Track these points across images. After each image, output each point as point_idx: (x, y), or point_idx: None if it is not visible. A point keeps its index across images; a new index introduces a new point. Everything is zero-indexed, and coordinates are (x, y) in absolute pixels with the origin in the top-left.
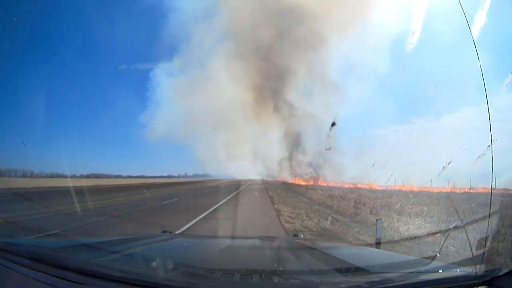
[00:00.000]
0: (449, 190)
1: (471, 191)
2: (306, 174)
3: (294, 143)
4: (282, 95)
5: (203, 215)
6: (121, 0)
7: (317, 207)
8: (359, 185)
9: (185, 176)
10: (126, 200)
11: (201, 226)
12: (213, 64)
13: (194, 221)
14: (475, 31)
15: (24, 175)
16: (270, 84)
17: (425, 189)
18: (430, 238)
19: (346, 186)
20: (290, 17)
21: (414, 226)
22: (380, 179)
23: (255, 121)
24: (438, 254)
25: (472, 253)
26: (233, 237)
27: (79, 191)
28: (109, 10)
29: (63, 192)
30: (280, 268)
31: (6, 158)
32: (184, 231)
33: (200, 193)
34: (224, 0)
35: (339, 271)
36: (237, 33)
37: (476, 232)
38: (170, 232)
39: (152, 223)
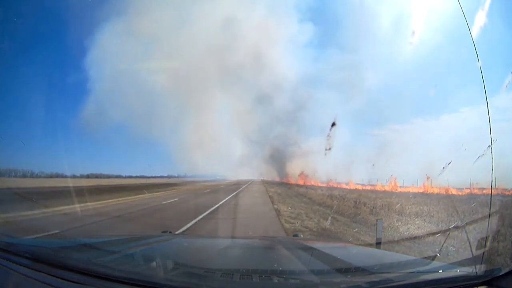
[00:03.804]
0: (444, 190)
1: (469, 191)
2: (306, 175)
3: (295, 145)
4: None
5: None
6: None
7: (317, 207)
8: (360, 186)
9: (185, 176)
10: (125, 200)
11: (201, 225)
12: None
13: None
14: (475, 31)
15: (24, 175)
16: None
17: (424, 190)
18: (430, 238)
19: (346, 186)
20: None
21: (414, 226)
22: (380, 179)
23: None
24: (438, 254)
25: (472, 253)
26: (233, 237)
27: (79, 191)
28: None
29: (63, 192)
30: (280, 268)
31: (6, 158)
32: (184, 231)
33: (205, 192)
34: None
35: (339, 271)
36: None
37: (476, 232)
38: (170, 232)
39: (152, 223)
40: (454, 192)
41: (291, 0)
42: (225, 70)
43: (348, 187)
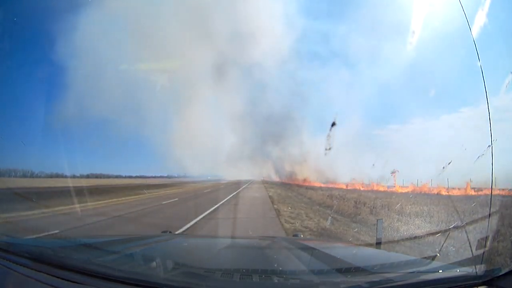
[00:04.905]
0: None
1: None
2: (306, 175)
3: (295, 145)
4: None
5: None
6: None
7: (317, 207)
8: (361, 187)
9: (185, 176)
10: (125, 200)
11: (202, 225)
12: None
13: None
14: (475, 31)
15: (24, 175)
16: None
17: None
18: (430, 238)
19: (345, 186)
20: None
21: (414, 226)
22: (381, 179)
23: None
24: (438, 254)
25: (472, 253)
26: (233, 237)
27: (79, 191)
28: None
29: (63, 192)
30: (280, 268)
31: (6, 158)
32: (184, 231)
33: (205, 192)
34: None
35: (339, 271)
36: None
37: (476, 232)
38: (170, 232)
39: (152, 223)
40: (454, 192)
41: None
42: (223, 68)
43: (347, 187)
